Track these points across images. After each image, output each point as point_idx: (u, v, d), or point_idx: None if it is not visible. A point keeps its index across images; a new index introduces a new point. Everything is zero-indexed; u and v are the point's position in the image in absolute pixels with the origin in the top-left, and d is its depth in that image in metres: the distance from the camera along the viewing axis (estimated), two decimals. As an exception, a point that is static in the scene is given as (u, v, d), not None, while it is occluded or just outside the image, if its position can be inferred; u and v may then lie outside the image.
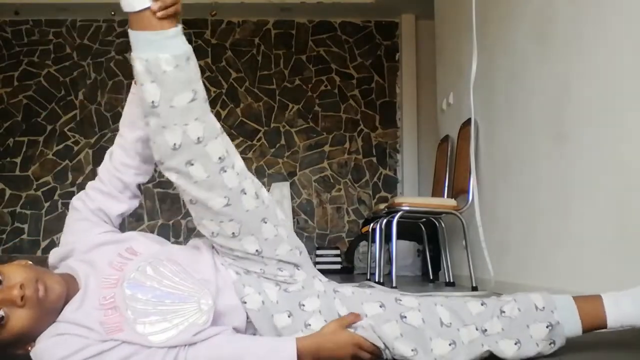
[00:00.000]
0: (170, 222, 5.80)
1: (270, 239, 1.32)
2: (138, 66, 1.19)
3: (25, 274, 1.16)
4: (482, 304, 1.32)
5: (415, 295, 1.37)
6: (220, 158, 1.24)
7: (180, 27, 1.22)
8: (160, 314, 1.19)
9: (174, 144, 1.21)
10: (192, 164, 1.22)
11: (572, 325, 1.27)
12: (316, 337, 1.24)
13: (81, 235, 1.35)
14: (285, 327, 1.29)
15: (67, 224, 1.39)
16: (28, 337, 1.18)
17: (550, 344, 1.27)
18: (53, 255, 1.37)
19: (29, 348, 1.19)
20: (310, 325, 1.29)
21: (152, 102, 1.19)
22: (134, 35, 1.20)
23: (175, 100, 1.19)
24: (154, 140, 1.23)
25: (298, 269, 1.37)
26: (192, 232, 5.75)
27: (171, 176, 1.26)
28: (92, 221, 1.37)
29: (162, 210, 5.81)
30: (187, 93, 1.20)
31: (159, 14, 1.18)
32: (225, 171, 1.25)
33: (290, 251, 1.35)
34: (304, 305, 1.31)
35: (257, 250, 1.31)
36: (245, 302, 1.29)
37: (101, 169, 1.40)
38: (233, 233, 1.29)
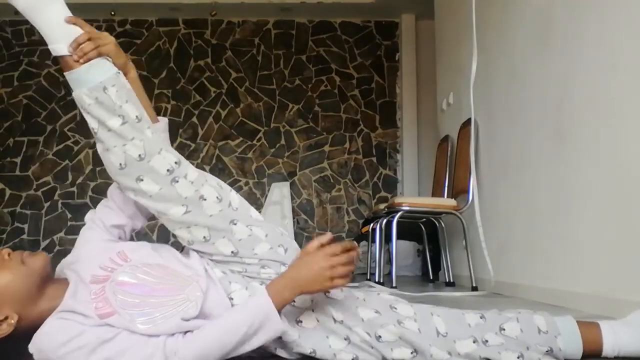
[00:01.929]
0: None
1: (244, 239, 1.34)
2: (77, 101, 1.32)
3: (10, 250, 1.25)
4: (480, 317, 1.30)
5: (410, 303, 1.34)
6: (168, 170, 1.31)
7: (98, 59, 1.33)
8: (150, 305, 1.21)
9: (120, 164, 1.30)
10: (142, 180, 1.30)
11: (574, 349, 1.27)
12: (286, 272, 1.25)
13: (83, 245, 1.41)
14: None
15: (80, 236, 1.45)
16: (8, 299, 1.19)
17: None
18: (60, 264, 1.40)
19: (10, 320, 1.19)
20: (301, 322, 1.28)
21: (92, 129, 1.31)
22: (66, 77, 1.34)
23: (109, 124, 1.29)
24: (105, 163, 1.34)
25: (285, 266, 1.36)
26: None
27: (130, 194, 1.34)
28: (94, 232, 1.43)
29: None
30: (115, 119, 1.29)
31: (81, 61, 1.32)
32: (177, 181, 1.31)
33: (271, 249, 1.36)
34: (294, 302, 1.29)
35: (232, 252, 1.33)
36: (232, 299, 1.29)
37: (112, 188, 1.48)
38: (204, 237, 1.33)
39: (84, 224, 1.47)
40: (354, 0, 5.71)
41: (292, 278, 1.22)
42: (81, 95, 1.29)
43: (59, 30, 1.34)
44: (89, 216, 1.47)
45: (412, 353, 1.25)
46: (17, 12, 1.48)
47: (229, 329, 1.18)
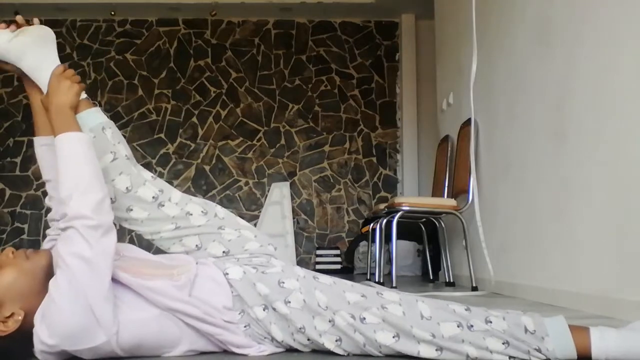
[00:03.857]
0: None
1: (233, 239, 1.47)
2: None
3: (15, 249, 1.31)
4: (466, 309, 1.32)
5: (397, 291, 1.39)
6: (154, 197, 1.47)
7: (95, 107, 1.52)
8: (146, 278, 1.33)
9: (111, 199, 1.40)
10: (132, 209, 1.46)
11: (566, 349, 1.26)
12: (48, 115, 1.37)
13: None
14: (268, 294, 1.33)
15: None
16: (14, 296, 1.21)
17: None
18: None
19: (17, 317, 1.20)
20: (290, 302, 1.32)
21: None
22: None
23: (100, 164, 1.39)
24: None
25: (275, 259, 1.45)
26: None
27: (124, 224, 1.48)
28: None
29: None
30: (107, 155, 1.46)
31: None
32: (163, 205, 1.47)
33: (261, 247, 1.47)
34: (283, 283, 1.35)
35: (224, 252, 1.46)
36: (227, 274, 1.37)
37: (54, 213, 1.60)
38: (197, 245, 1.47)
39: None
40: (354, 0, 5.71)
41: (51, 111, 1.35)
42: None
43: None
44: (50, 245, 1.51)
45: (394, 337, 1.28)
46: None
47: (71, 173, 1.28)
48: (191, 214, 1.48)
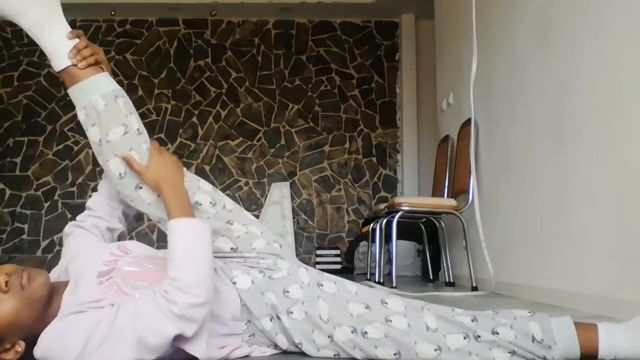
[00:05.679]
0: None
1: (242, 236, 1.43)
2: (81, 116, 1.38)
3: (10, 267, 1.22)
4: (472, 320, 1.29)
5: (402, 297, 1.36)
6: None
7: (106, 73, 1.41)
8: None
9: (119, 173, 1.38)
10: (141, 187, 1.39)
11: (570, 353, 1.26)
12: (161, 188, 1.35)
13: (78, 247, 1.43)
14: (276, 304, 1.32)
15: (66, 246, 1.49)
16: (14, 331, 1.18)
17: None
18: (55, 272, 1.41)
19: (17, 348, 1.18)
20: (292, 313, 1.32)
21: (100, 140, 1.37)
22: (70, 92, 1.39)
23: (110, 135, 1.36)
24: (106, 175, 1.44)
25: (281, 259, 1.43)
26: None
27: (129, 202, 1.43)
28: (88, 237, 1.49)
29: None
30: (119, 127, 1.36)
31: (80, 65, 1.36)
32: None
33: (267, 245, 1.44)
34: (288, 292, 1.34)
35: (232, 248, 1.42)
36: (235, 283, 1.34)
37: (92, 201, 1.56)
38: None
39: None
40: (354, 0, 5.71)
41: (168, 185, 1.33)
42: (92, 103, 1.35)
43: (62, 46, 1.38)
44: (69, 229, 1.51)
45: (395, 354, 1.27)
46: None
47: (189, 259, 1.21)
48: (200, 204, 1.41)
